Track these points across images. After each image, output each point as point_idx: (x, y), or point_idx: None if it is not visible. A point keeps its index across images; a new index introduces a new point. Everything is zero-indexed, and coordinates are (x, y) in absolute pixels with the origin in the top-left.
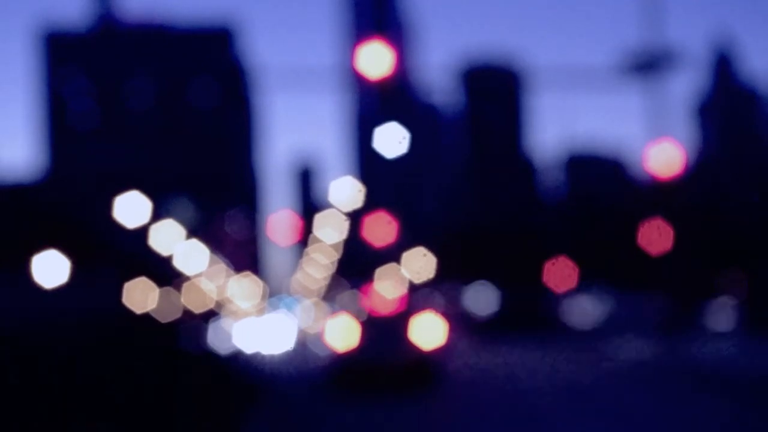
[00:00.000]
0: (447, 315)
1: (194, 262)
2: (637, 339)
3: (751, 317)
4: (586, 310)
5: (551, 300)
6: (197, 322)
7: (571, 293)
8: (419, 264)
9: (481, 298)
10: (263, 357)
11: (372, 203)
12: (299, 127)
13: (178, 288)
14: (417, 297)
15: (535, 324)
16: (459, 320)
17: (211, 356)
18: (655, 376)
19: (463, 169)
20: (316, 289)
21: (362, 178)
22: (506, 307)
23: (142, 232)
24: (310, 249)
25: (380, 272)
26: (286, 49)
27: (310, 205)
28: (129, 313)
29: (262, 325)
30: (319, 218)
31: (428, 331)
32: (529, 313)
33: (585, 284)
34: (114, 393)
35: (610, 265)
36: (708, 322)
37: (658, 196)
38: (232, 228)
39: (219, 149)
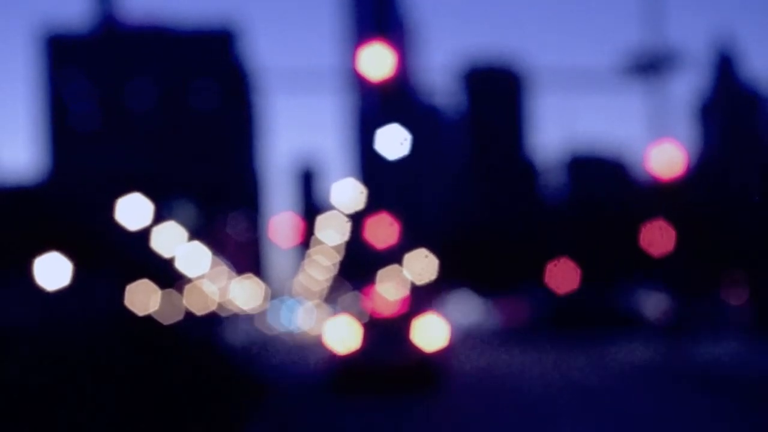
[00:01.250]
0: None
1: (196, 264)
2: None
3: (753, 318)
4: (657, 306)
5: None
6: (199, 323)
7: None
8: (421, 265)
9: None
10: (265, 358)
11: (374, 205)
12: (301, 128)
13: (180, 290)
14: (431, 299)
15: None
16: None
17: (213, 357)
18: (658, 377)
19: (465, 171)
20: (318, 291)
21: (364, 179)
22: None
23: (144, 234)
24: (312, 251)
25: (382, 274)
26: (288, 50)
27: (311, 206)
28: (131, 314)
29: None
30: (320, 220)
31: (430, 332)
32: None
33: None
34: (116, 393)
35: (611, 265)
36: (710, 322)
37: (659, 197)
38: (233, 230)
39: (220, 151)
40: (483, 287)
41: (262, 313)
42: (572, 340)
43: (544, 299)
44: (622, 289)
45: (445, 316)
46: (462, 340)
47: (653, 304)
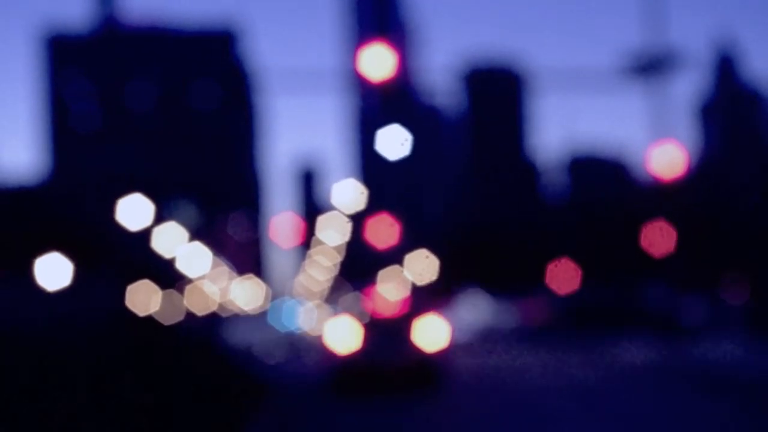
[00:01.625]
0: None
1: (197, 264)
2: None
3: (753, 318)
4: (665, 304)
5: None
6: (200, 324)
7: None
8: (422, 266)
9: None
10: (266, 358)
11: (374, 205)
12: (301, 129)
13: (180, 290)
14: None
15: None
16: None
17: (214, 357)
18: (659, 377)
19: (466, 171)
20: (319, 291)
21: (364, 180)
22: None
23: (145, 234)
24: (313, 251)
25: (383, 274)
26: (288, 51)
27: (312, 207)
28: (131, 315)
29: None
30: (321, 220)
31: (431, 333)
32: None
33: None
34: (116, 393)
35: (614, 265)
36: (710, 322)
37: (660, 197)
38: (234, 230)
39: (221, 151)
40: (483, 287)
41: (263, 314)
42: (572, 340)
43: (549, 300)
44: (622, 289)
45: (448, 316)
46: (462, 339)
47: (661, 302)
